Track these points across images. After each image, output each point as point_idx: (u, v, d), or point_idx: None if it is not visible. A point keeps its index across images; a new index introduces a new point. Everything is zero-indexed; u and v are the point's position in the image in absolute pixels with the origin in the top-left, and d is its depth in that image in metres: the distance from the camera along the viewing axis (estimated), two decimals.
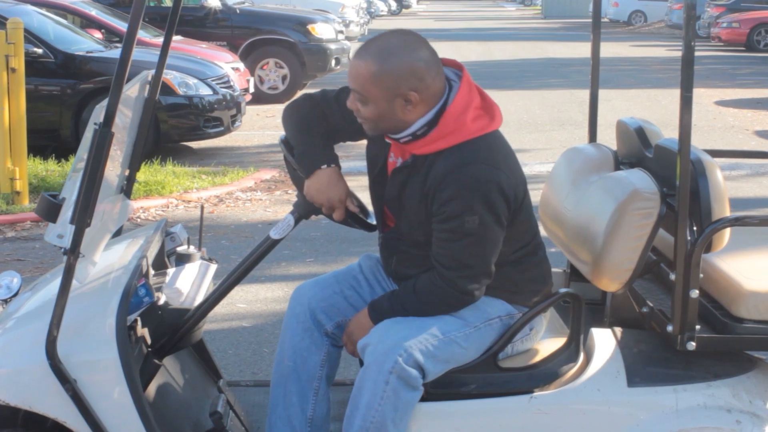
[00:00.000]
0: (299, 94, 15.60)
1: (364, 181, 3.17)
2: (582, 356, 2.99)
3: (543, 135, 12.25)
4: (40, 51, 10.10)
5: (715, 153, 3.38)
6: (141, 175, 8.57)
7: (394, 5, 50.07)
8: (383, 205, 3.06)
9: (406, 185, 2.92)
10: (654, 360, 2.98)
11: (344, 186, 3.01)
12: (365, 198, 3.21)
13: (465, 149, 2.81)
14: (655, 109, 14.20)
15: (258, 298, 5.94)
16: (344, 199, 3.00)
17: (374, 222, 3.17)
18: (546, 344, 3.08)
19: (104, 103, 2.69)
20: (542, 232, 3.19)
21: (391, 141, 2.96)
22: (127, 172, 3.54)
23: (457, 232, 2.79)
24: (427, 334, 2.84)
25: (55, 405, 2.78)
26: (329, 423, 3.13)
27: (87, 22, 12.49)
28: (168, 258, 3.48)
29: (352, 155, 9.81)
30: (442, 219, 2.81)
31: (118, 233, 3.52)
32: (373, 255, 3.29)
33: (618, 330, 3.09)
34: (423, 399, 2.89)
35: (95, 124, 2.67)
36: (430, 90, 2.82)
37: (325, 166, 2.98)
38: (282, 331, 3.18)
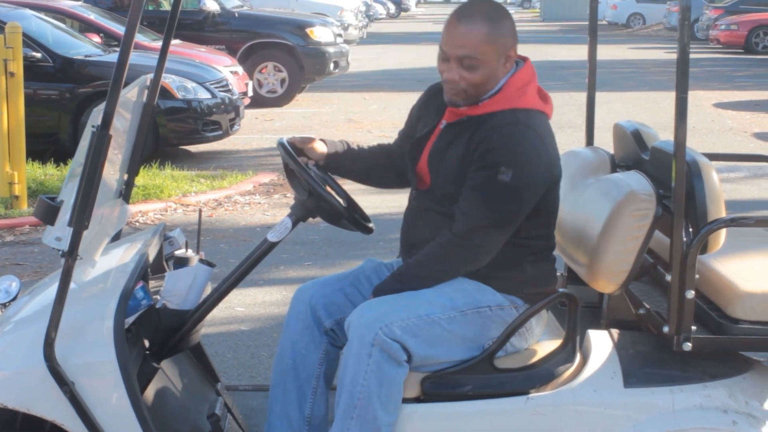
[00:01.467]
0: (298, 97, 15.64)
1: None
2: (578, 357, 2.99)
3: None
4: (38, 55, 10.10)
5: (713, 156, 3.38)
6: (140, 179, 8.57)
7: (392, 8, 50.12)
8: (418, 163, 3.09)
9: (453, 140, 2.98)
10: (650, 361, 2.99)
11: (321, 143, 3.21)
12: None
13: (519, 113, 2.93)
14: (655, 112, 14.21)
15: (256, 302, 5.94)
16: (314, 142, 3.19)
17: (371, 225, 3.19)
18: (542, 345, 3.08)
19: (102, 106, 2.70)
20: None
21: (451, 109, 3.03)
22: (126, 177, 3.55)
23: (488, 181, 2.84)
24: (410, 313, 2.86)
25: (53, 407, 2.79)
26: (327, 425, 3.12)
27: (86, 26, 12.50)
28: (166, 262, 3.48)
29: None
30: (478, 167, 2.87)
31: (116, 237, 3.53)
32: (376, 259, 3.30)
33: (614, 331, 3.09)
34: (419, 400, 2.90)
35: (93, 126, 2.68)
36: (515, 52, 2.98)
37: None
38: (283, 330, 3.19)
